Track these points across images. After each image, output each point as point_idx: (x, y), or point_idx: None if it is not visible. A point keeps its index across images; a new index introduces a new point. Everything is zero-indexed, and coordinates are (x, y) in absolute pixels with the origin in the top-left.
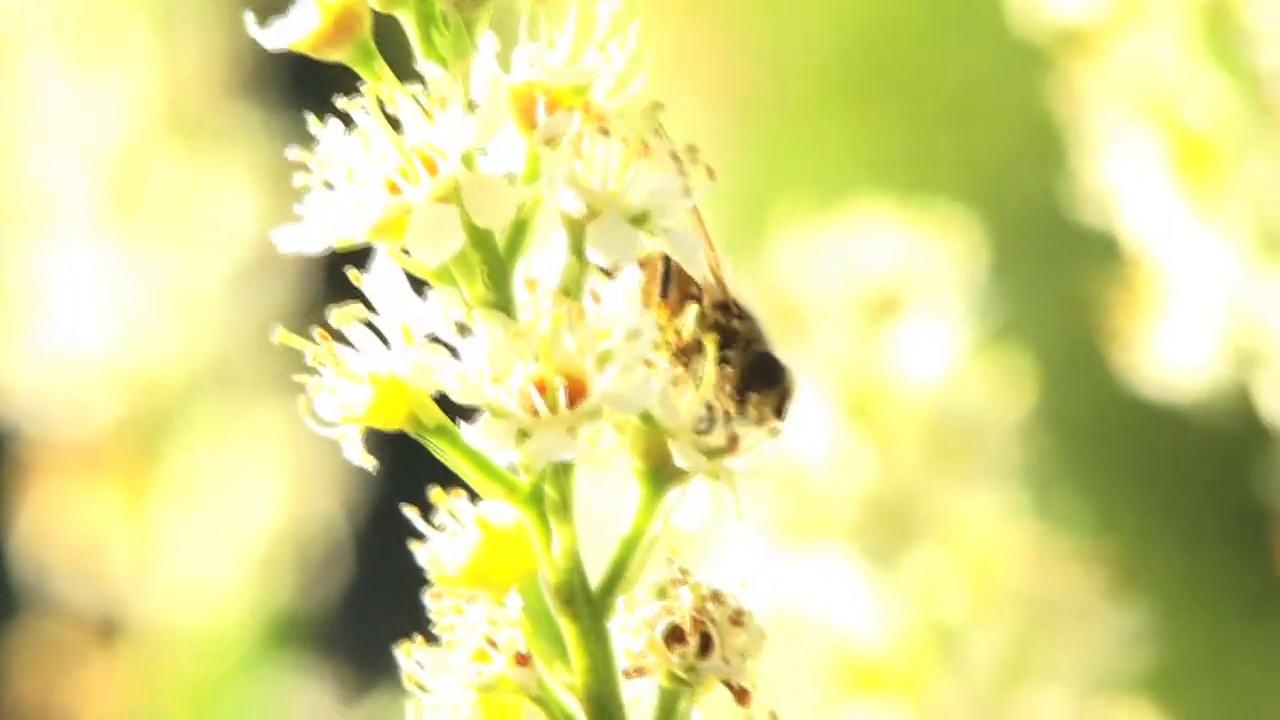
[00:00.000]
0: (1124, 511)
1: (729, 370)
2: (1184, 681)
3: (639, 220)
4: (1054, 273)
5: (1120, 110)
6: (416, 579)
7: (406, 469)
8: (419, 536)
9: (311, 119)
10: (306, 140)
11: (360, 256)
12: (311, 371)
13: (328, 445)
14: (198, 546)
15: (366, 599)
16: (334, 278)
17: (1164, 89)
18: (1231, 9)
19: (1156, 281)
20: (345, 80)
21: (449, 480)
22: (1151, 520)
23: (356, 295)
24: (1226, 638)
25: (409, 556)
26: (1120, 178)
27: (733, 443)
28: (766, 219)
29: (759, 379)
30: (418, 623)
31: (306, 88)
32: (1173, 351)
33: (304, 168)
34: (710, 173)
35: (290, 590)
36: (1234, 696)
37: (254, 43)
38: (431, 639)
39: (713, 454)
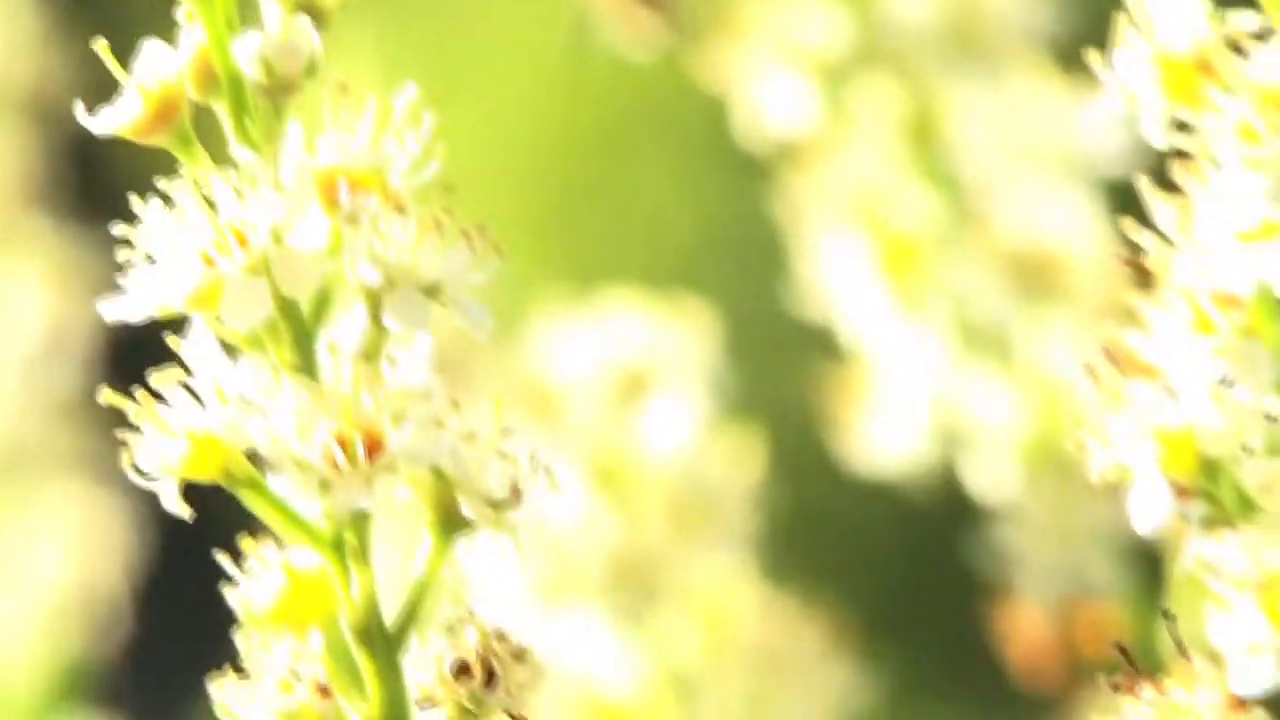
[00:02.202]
0: (842, 576)
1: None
2: None
3: (432, 291)
4: (781, 361)
5: (834, 216)
6: (201, 634)
7: (184, 531)
8: (216, 587)
9: (134, 198)
10: (97, 243)
11: (177, 324)
12: (126, 434)
13: (114, 514)
14: None
15: (151, 653)
16: (117, 367)
17: (874, 197)
18: (935, 125)
19: (870, 371)
20: (135, 185)
21: (227, 541)
22: (865, 583)
23: (140, 379)
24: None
25: (192, 613)
26: (836, 277)
27: (516, 496)
28: (525, 304)
29: None
30: (201, 674)
31: (92, 196)
32: (884, 434)
33: (126, 243)
34: (498, 249)
35: (77, 646)
36: None
37: (42, 155)
38: (240, 672)
39: (498, 506)
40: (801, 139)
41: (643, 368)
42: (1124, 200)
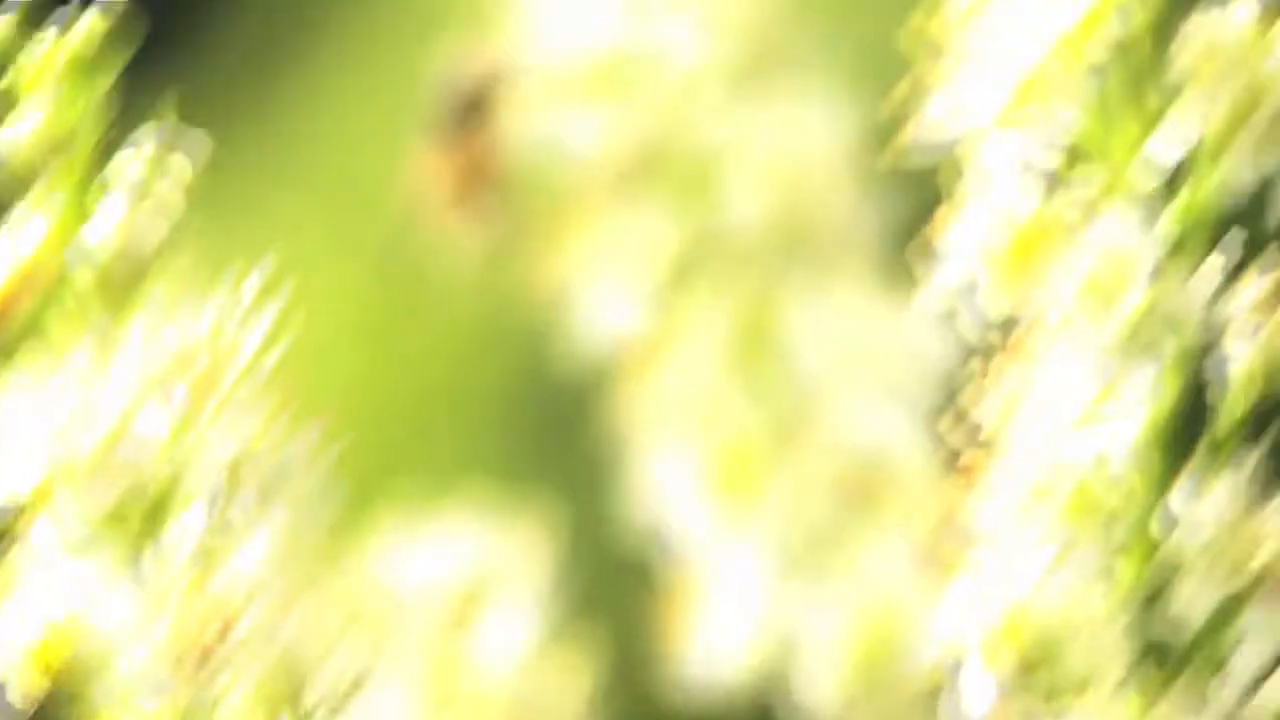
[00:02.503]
0: None
1: None
2: None
3: (273, 478)
4: (614, 575)
5: (664, 425)
6: None
7: None
8: None
9: None
10: None
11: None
12: None
13: None
14: None
15: None
16: None
17: (703, 405)
18: (764, 333)
19: (700, 583)
20: None
21: None
22: None
23: None
24: None
25: None
26: (665, 488)
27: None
28: (362, 520)
29: None
30: None
31: None
32: (714, 644)
33: None
34: (337, 442)
35: None
36: None
37: None
38: None
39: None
40: (631, 344)
41: (476, 580)
42: (951, 403)
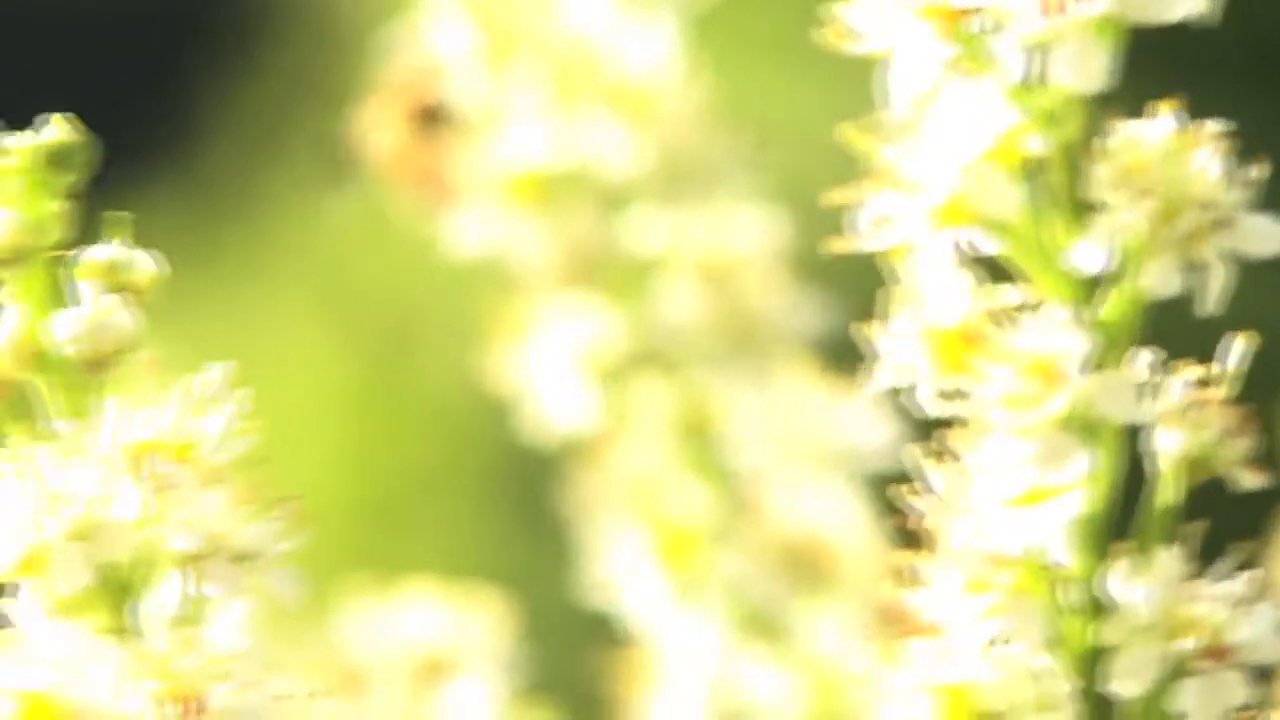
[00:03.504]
0: None
1: None
2: None
3: (243, 560)
4: (571, 647)
5: (616, 508)
6: None
7: None
8: None
9: None
10: None
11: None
12: None
13: None
14: None
15: None
16: None
17: (651, 490)
18: (706, 422)
19: (653, 655)
20: None
21: None
22: None
23: None
24: None
25: None
26: (619, 566)
27: None
28: (330, 593)
29: None
30: None
31: None
32: (667, 716)
33: None
34: (306, 520)
35: None
36: None
37: None
38: None
39: None
40: (583, 436)
41: (441, 652)
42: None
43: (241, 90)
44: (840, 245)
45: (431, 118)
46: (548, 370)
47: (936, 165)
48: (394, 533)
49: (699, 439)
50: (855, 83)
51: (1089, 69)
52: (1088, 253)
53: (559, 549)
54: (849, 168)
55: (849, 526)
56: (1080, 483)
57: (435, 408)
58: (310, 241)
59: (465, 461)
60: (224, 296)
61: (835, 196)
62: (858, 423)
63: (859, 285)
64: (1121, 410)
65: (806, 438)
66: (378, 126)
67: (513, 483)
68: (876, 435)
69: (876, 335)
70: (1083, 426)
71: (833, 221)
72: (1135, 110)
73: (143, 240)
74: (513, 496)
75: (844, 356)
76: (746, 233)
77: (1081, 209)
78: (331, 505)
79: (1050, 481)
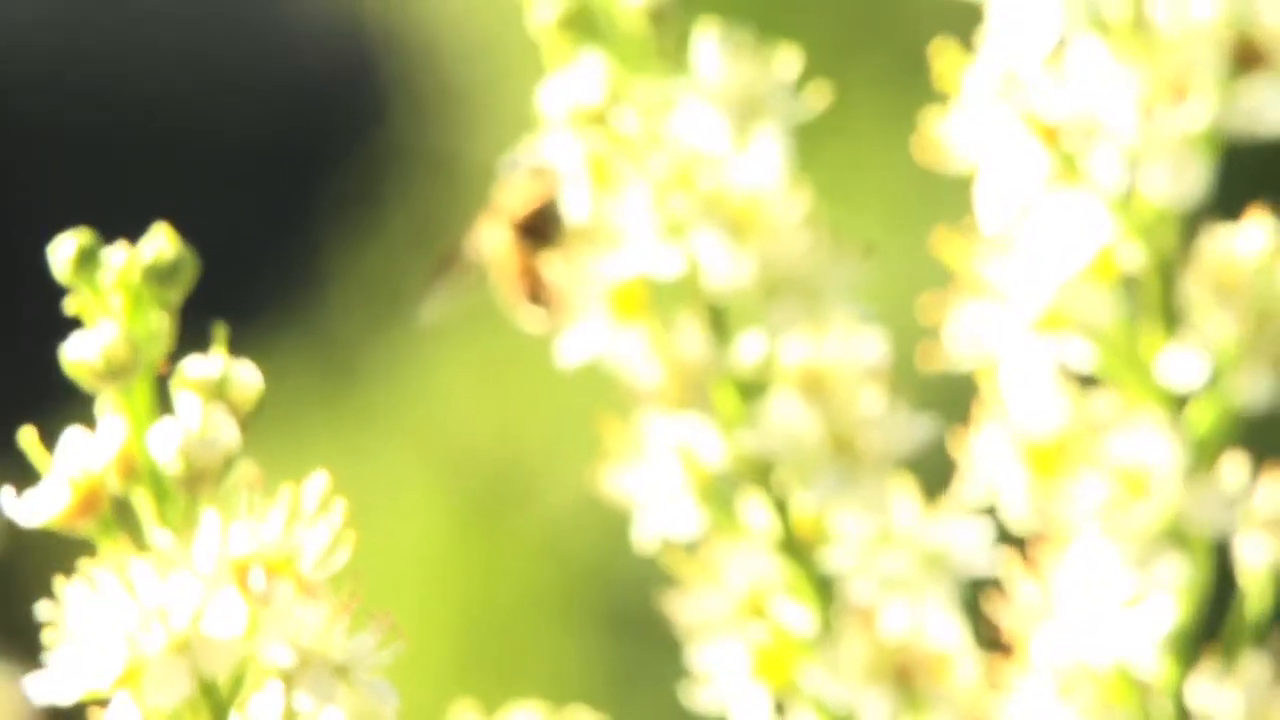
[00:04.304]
0: None
1: None
2: None
3: (340, 672)
4: None
5: (718, 620)
6: None
7: None
8: None
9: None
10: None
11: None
12: None
13: None
14: None
15: None
16: None
17: (754, 603)
18: (812, 534)
19: None
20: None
21: None
22: None
23: None
24: None
25: None
26: (720, 678)
27: None
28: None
29: None
30: None
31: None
32: None
33: (50, 624)
34: (401, 633)
35: None
36: None
37: None
38: None
39: None
40: (688, 548)
41: None
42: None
43: (366, 239)
44: (936, 358)
45: (542, 231)
46: (654, 484)
47: (1033, 278)
48: (500, 657)
49: (803, 552)
50: (954, 196)
51: (1186, 181)
52: (1180, 363)
53: (664, 665)
54: (946, 281)
55: (948, 637)
56: (1171, 593)
57: (542, 535)
58: (424, 388)
59: (571, 586)
60: (341, 437)
61: (931, 310)
62: (956, 533)
63: (955, 397)
64: (1212, 521)
65: (906, 549)
66: (490, 241)
67: (618, 602)
68: (974, 545)
69: (971, 446)
70: (1173, 536)
71: (930, 335)
72: (1227, 220)
73: (266, 384)
74: (617, 616)
75: (942, 468)
76: (849, 346)
77: (1175, 319)
78: (440, 631)
79: (1141, 591)
